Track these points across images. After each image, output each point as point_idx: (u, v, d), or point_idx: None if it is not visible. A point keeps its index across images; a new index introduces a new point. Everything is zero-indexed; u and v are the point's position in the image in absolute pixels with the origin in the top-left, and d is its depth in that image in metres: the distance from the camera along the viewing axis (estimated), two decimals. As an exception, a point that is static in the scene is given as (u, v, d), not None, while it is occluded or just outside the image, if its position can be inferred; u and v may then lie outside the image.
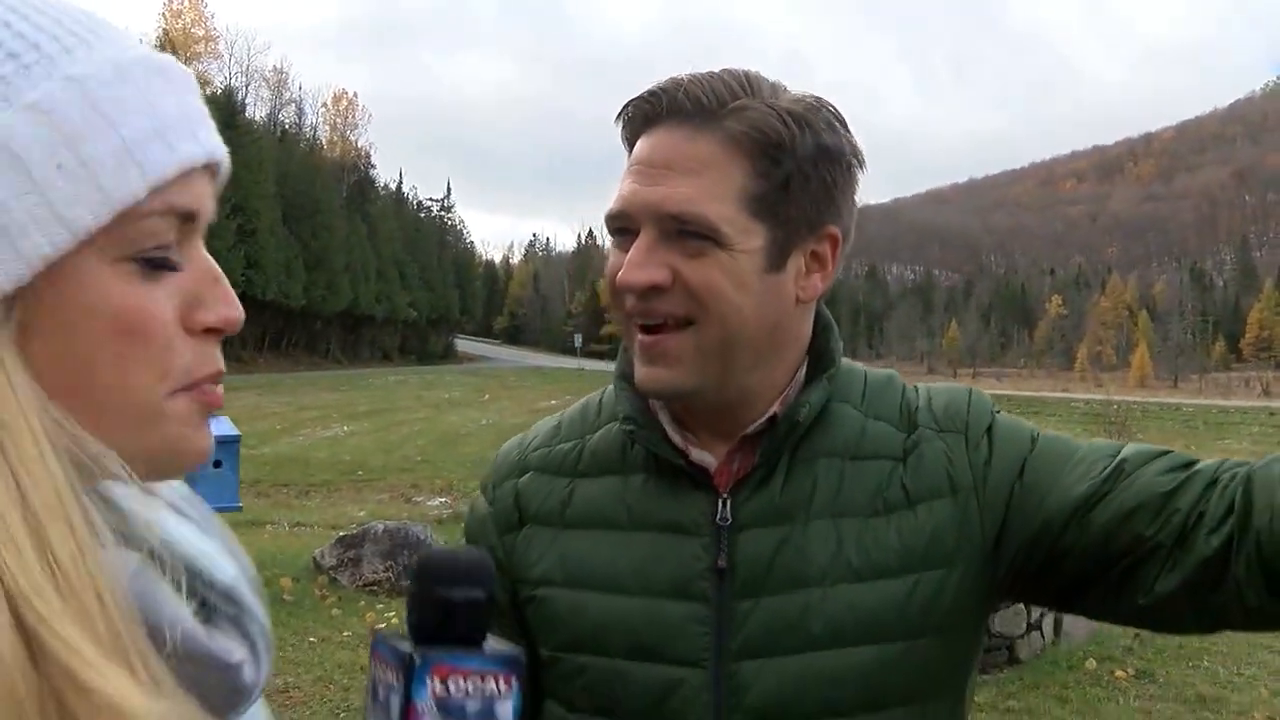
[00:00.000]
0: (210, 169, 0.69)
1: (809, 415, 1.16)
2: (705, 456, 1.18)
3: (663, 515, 1.18)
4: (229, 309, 0.68)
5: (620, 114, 1.17)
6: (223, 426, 7.63)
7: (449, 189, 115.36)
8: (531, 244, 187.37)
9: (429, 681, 0.73)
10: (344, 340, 75.94)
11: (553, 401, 31.75)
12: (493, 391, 36.57)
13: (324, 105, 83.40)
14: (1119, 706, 6.20)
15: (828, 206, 1.15)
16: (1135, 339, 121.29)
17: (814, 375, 1.19)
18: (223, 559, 0.76)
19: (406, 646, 0.75)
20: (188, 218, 0.67)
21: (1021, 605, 7.09)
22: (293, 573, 8.11)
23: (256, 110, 72.60)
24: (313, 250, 67.52)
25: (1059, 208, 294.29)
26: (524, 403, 30.83)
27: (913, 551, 1.15)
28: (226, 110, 60.42)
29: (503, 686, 0.75)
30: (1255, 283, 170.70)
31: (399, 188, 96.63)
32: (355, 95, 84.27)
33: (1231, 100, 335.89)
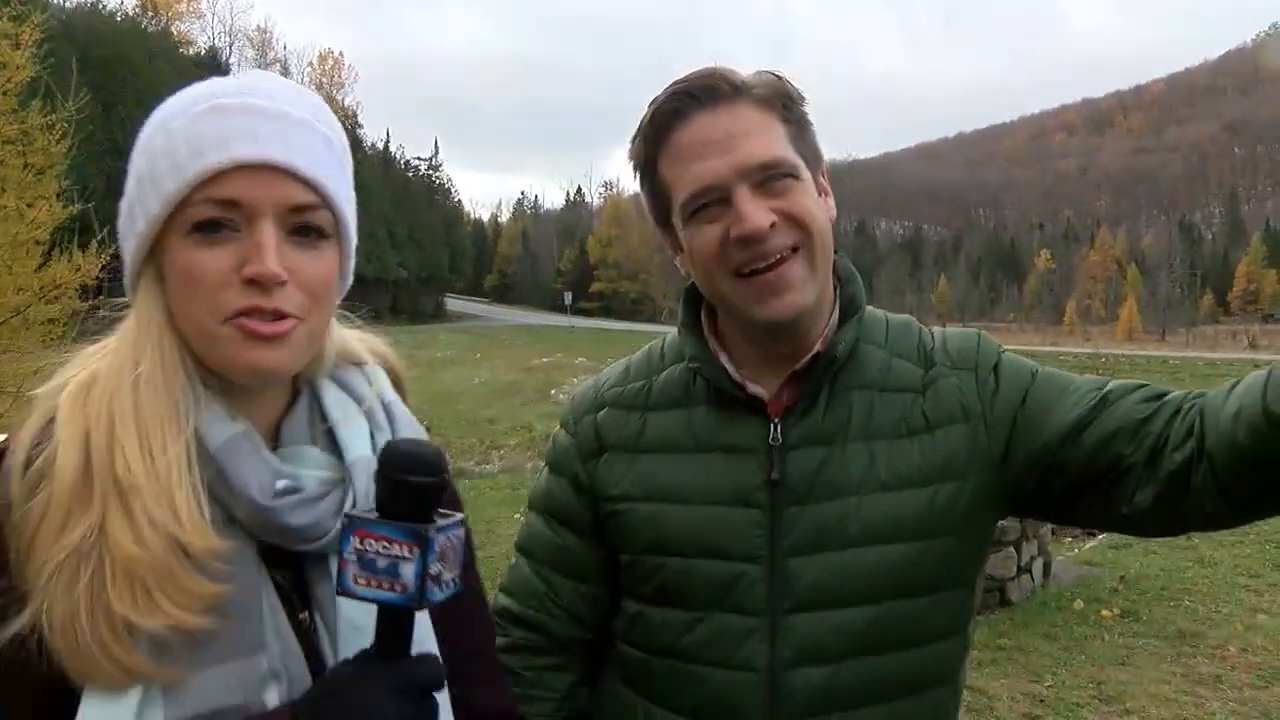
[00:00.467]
0: (268, 166, 1.00)
1: (844, 351, 1.39)
2: (759, 389, 1.41)
3: (724, 439, 1.41)
4: (258, 266, 0.99)
5: (650, 117, 1.38)
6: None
7: (436, 147, 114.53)
8: (520, 202, 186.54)
9: (352, 539, 0.93)
10: (334, 300, 75.42)
11: (544, 359, 31.89)
12: (484, 350, 36.68)
13: (309, 65, 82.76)
14: (1104, 643, 6.48)
15: (816, 142, 1.42)
16: (1124, 293, 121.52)
17: (845, 318, 1.42)
18: (364, 447, 1.11)
19: (356, 513, 0.96)
20: (229, 204, 1.00)
21: (1013, 550, 7.37)
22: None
23: (241, 70, 71.77)
24: (301, 210, 66.91)
25: (1049, 161, 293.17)
26: (516, 360, 30.95)
27: (932, 467, 1.38)
28: (210, 70, 59.94)
29: (406, 552, 0.92)
30: (1243, 236, 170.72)
31: (386, 147, 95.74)
32: (341, 55, 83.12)
33: (1222, 52, 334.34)
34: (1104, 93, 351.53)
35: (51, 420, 1.01)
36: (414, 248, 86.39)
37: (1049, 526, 8.20)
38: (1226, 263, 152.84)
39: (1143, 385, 1.37)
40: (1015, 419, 1.39)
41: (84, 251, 6.95)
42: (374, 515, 0.95)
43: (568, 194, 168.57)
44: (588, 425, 1.51)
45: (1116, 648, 6.39)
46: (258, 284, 0.99)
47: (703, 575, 1.38)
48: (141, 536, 0.95)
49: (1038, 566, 7.79)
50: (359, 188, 1.13)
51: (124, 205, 1.06)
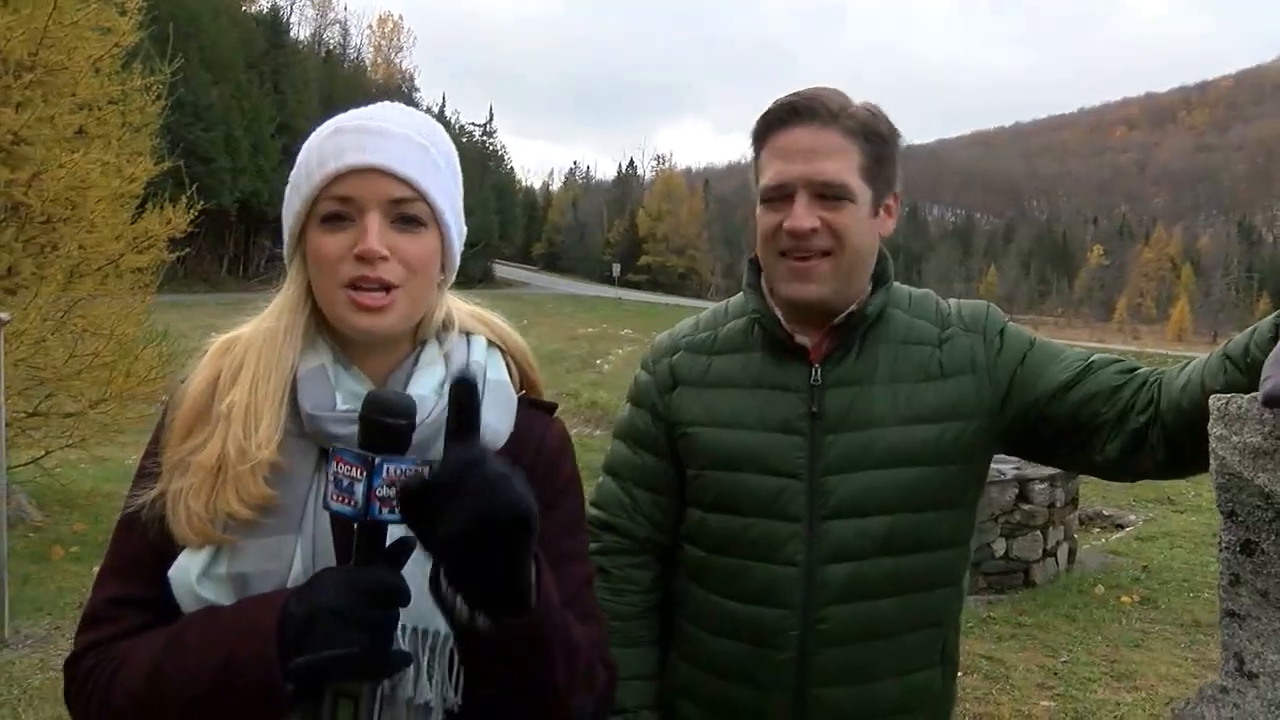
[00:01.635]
0: (371, 169, 1.30)
1: (874, 312, 1.73)
2: (804, 340, 1.75)
3: (775, 378, 1.75)
4: (363, 244, 1.29)
5: (763, 116, 1.73)
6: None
7: (491, 114, 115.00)
8: (572, 172, 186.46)
9: (332, 464, 1.16)
10: (384, 262, 75.95)
11: (590, 329, 32.18)
12: (530, 317, 36.95)
13: (369, 27, 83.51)
14: (1121, 627, 6.73)
15: (895, 175, 1.74)
16: (1176, 292, 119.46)
17: (876, 288, 1.76)
18: (425, 387, 1.37)
19: (339, 443, 1.22)
20: (344, 199, 1.31)
21: (1039, 534, 7.62)
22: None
23: (301, 30, 72.70)
24: (357, 171, 67.41)
25: (1107, 155, 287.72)
26: (562, 329, 31.28)
27: (943, 408, 1.71)
28: (271, 30, 60.64)
29: (357, 474, 1.14)
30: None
31: (442, 111, 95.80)
32: (401, 18, 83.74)
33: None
34: (1168, 87, 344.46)
35: None
36: (465, 213, 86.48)
37: (1076, 514, 8.44)
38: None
39: (1120, 360, 1.69)
40: (1014, 376, 1.71)
41: (174, 206, 7.40)
42: (352, 446, 1.18)
43: (620, 166, 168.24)
44: (664, 365, 1.86)
45: (1133, 631, 6.66)
46: (364, 258, 1.29)
47: (754, 488, 1.72)
48: (226, 454, 1.29)
49: (1063, 552, 8.02)
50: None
51: (285, 207, 1.39)
